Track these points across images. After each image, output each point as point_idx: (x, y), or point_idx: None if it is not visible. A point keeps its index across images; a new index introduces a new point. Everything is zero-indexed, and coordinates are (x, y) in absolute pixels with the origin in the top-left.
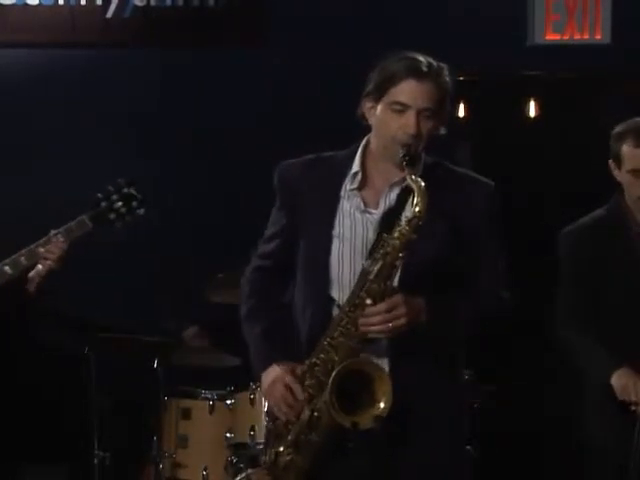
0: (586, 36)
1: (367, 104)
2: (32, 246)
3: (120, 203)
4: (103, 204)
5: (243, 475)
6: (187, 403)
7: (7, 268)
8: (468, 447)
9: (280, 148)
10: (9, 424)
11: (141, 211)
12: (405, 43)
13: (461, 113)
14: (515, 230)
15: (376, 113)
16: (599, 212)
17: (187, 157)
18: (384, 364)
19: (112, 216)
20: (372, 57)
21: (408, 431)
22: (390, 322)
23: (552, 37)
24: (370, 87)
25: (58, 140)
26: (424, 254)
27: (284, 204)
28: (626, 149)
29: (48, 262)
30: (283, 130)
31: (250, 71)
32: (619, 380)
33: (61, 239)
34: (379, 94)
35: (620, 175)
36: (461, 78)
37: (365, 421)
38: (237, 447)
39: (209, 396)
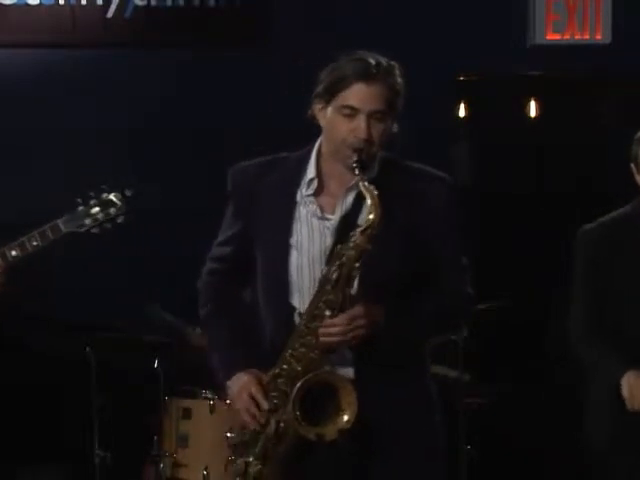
0: (586, 36)
1: (317, 105)
2: None
3: (97, 209)
4: (79, 209)
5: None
6: (187, 403)
7: None
8: (468, 447)
9: (280, 148)
10: (10, 425)
11: (120, 219)
12: (405, 43)
13: (461, 113)
14: (515, 230)
15: (326, 115)
16: (622, 211)
17: (187, 157)
18: (349, 373)
19: (87, 221)
20: None
21: (377, 438)
22: (350, 333)
23: (552, 37)
24: (320, 89)
25: (58, 140)
26: (381, 261)
27: (239, 209)
28: None
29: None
30: (283, 130)
31: (250, 71)
32: (627, 388)
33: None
34: (329, 96)
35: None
36: (462, 78)
37: (331, 432)
38: (238, 447)
39: (210, 396)
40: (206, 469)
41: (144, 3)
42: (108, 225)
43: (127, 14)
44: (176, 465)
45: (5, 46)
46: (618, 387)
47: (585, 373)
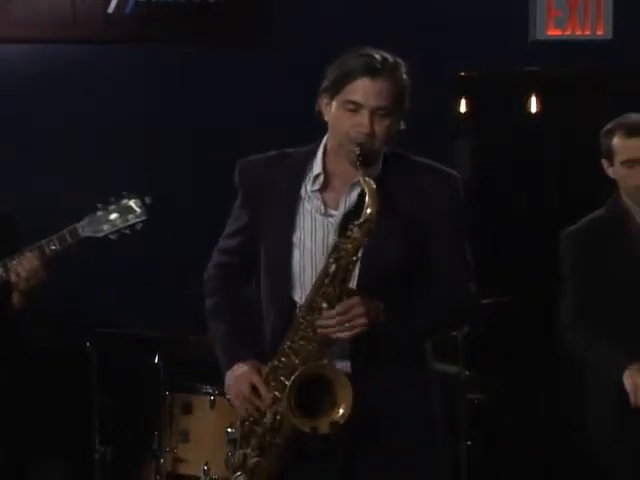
0: (587, 32)
1: (323, 100)
2: (7, 258)
3: (116, 215)
4: (98, 213)
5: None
6: (188, 398)
7: None
8: (468, 442)
9: (280, 148)
10: (11, 421)
11: (139, 226)
12: (406, 39)
13: (462, 109)
14: (515, 229)
15: (331, 110)
16: (599, 212)
17: (187, 155)
18: (346, 366)
19: (106, 227)
20: None
21: (374, 432)
22: (347, 323)
23: (553, 33)
24: (326, 84)
25: (58, 136)
26: (382, 255)
27: (245, 202)
28: (617, 141)
29: (20, 278)
30: (283, 130)
31: (251, 69)
32: (631, 381)
33: (31, 255)
34: (334, 91)
35: (614, 170)
36: (462, 74)
37: (324, 426)
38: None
39: (210, 391)
40: (207, 464)
41: None
42: (127, 231)
43: (128, 9)
44: (177, 460)
45: (6, 41)
46: (620, 381)
47: (573, 359)
